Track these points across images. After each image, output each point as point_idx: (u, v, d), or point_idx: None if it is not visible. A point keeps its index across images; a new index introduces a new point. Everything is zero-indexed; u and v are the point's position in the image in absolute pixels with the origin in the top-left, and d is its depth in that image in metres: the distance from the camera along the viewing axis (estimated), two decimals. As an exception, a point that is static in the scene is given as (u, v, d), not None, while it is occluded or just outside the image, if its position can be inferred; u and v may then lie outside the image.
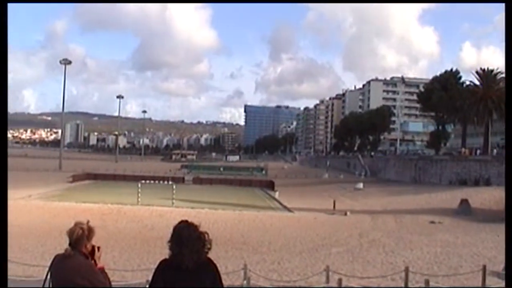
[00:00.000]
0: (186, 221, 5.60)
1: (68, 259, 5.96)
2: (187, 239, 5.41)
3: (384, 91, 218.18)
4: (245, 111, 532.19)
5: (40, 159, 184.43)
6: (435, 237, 39.21)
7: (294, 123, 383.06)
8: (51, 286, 6.05)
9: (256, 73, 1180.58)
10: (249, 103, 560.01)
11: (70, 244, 6.05)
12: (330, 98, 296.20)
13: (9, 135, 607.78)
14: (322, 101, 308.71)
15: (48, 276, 6.08)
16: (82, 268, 5.94)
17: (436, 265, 28.55)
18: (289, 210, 61.29)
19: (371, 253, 33.44)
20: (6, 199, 8.07)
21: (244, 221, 48.64)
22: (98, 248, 6.29)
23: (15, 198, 63.25)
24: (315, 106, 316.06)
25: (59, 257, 6.05)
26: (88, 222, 6.25)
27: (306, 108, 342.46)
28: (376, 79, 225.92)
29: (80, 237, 6.07)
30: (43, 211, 52.50)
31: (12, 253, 26.48)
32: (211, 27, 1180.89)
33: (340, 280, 19.57)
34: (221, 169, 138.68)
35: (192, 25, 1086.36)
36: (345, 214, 55.75)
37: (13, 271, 22.58)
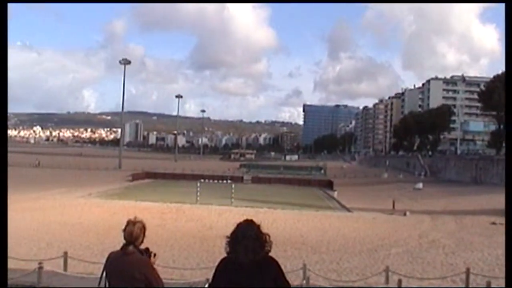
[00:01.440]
0: (250, 220, 5.67)
1: (125, 255, 6.37)
2: (243, 237, 5.49)
3: (444, 90, 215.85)
4: (303, 110, 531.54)
5: (100, 158, 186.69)
6: (496, 238, 38.58)
7: (353, 122, 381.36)
8: (106, 283, 6.43)
9: (315, 72, 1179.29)
10: (308, 102, 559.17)
11: (126, 241, 6.45)
12: (389, 97, 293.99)
13: (69, 134, 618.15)
14: (381, 100, 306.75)
15: (104, 274, 6.49)
16: (140, 263, 6.36)
17: (498, 267, 28.08)
18: (348, 210, 61.04)
19: (430, 254, 33.12)
20: (6, 199, 8.19)
21: (303, 221, 48.54)
22: (154, 254, 6.63)
23: (76, 197, 64.38)
24: (374, 105, 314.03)
25: (114, 254, 6.49)
26: (138, 219, 6.65)
27: (365, 107, 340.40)
28: (436, 78, 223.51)
29: (136, 234, 6.48)
30: (102, 210, 53.08)
31: (73, 250, 27.02)
32: (269, 26, 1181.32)
33: (400, 281, 19.46)
34: (282, 168, 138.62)
35: (250, 24, 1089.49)
36: (404, 214, 55.27)
37: (74, 268, 22.96)
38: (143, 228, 6.60)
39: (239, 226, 5.60)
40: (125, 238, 6.49)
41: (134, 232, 6.48)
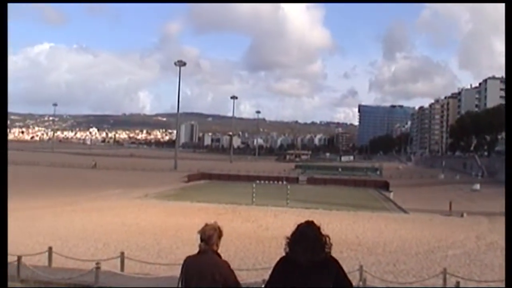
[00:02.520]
0: (310, 221, 5.69)
1: (204, 257, 6.63)
2: (303, 238, 5.52)
3: (501, 89, 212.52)
4: (359, 111, 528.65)
5: (155, 159, 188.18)
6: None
7: (409, 122, 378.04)
8: (184, 285, 6.65)
9: (370, 72, 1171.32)
10: (363, 103, 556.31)
11: (204, 244, 6.72)
12: (445, 97, 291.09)
13: (125, 136, 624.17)
14: (437, 100, 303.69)
15: (182, 277, 6.70)
16: (219, 265, 6.59)
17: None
18: (404, 211, 60.58)
19: (489, 256, 32.69)
20: (6, 199, 8.23)
21: (359, 222, 48.30)
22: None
23: (132, 198, 65.02)
24: (430, 105, 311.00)
25: (192, 257, 6.75)
26: (214, 223, 6.97)
27: (421, 108, 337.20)
28: (494, 77, 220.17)
29: (212, 237, 6.76)
30: (159, 211, 53.47)
31: (130, 250, 27.27)
32: (324, 27, 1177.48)
33: (458, 283, 19.24)
34: (337, 169, 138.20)
35: (305, 24, 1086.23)
36: (462, 215, 54.64)
37: (131, 268, 23.19)
38: (220, 232, 6.90)
39: (299, 226, 5.64)
40: (202, 240, 6.74)
41: (212, 235, 6.77)
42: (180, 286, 6.73)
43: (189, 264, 6.70)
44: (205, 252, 6.67)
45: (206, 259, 6.61)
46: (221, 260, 6.68)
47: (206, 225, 6.93)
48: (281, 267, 5.69)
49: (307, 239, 5.48)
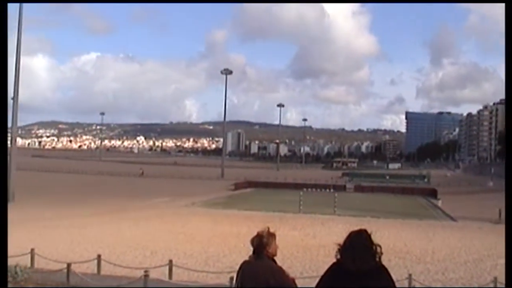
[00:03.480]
0: (362, 229, 5.68)
1: (259, 262, 6.75)
2: (353, 246, 5.47)
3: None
4: (406, 118, 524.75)
5: (202, 168, 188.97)
6: None
7: (457, 129, 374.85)
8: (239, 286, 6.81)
9: (417, 79, 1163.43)
10: (410, 110, 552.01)
11: (259, 250, 6.82)
12: (494, 103, 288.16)
13: (172, 144, 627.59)
14: (485, 107, 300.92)
15: (238, 282, 6.87)
16: (274, 270, 6.74)
17: None
18: (452, 219, 60.02)
19: (540, 265, 32.18)
20: (6, 199, 8.27)
21: (407, 230, 47.93)
22: (293, 280, 6.90)
23: (179, 206, 65.38)
24: (479, 112, 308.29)
25: (247, 262, 6.88)
26: (268, 228, 7.06)
27: (469, 114, 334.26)
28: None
29: (267, 242, 6.85)
30: (206, 218, 53.60)
31: (177, 258, 27.36)
32: (370, 33, 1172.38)
33: (508, 292, 18.95)
34: (385, 177, 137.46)
35: (351, 31, 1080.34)
36: None
37: (179, 276, 23.25)
38: (268, 234, 6.94)
39: (350, 234, 5.62)
40: (257, 247, 6.84)
41: (267, 241, 6.86)
42: None
43: (245, 268, 6.82)
44: (261, 258, 6.78)
45: (262, 265, 6.73)
46: (276, 266, 6.83)
47: (261, 231, 7.00)
48: (331, 274, 5.65)
49: (357, 247, 5.46)
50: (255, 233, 6.94)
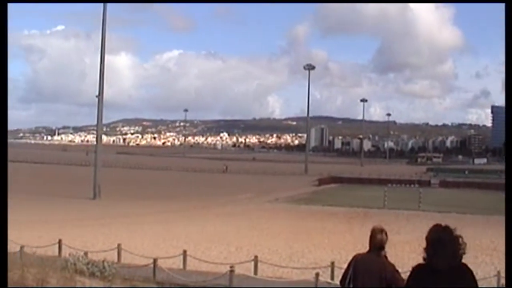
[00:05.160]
0: (446, 225, 5.58)
1: (372, 256, 7.38)
2: (442, 242, 5.42)
3: None
4: (492, 112, 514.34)
5: (286, 163, 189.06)
6: None
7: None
8: (352, 281, 7.33)
9: (502, 72, 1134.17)
10: (496, 104, 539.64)
11: (377, 246, 7.44)
12: None
13: (255, 140, 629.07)
14: None
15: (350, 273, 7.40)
16: (386, 265, 7.29)
17: None
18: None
19: None
20: (6, 199, 8.21)
21: (493, 227, 46.88)
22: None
23: (263, 202, 65.46)
24: None
25: (361, 255, 7.55)
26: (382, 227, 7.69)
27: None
28: None
29: (384, 240, 7.50)
30: (290, 215, 53.60)
31: (262, 254, 27.35)
32: (454, 26, 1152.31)
33: None
34: (466, 172, 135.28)
35: (435, 24, 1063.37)
36: None
37: (263, 272, 23.25)
38: (386, 234, 7.56)
39: (435, 231, 5.54)
40: (375, 243, 7.44)
41: (383, 238, 7.49)
42: (347, 281, 7.37)
43: (358, 261, 7.41)
44: (373, 252, 7.38)
45: (375, 259, 7.32)
46: (388, 261, 7.38)
47: (377, 228, 7.59)
48: (418, 273, 5.64)
49: (444, 244, 5.41)
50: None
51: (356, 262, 7.41)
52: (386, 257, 7.45)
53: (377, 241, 7.42)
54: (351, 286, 7.36)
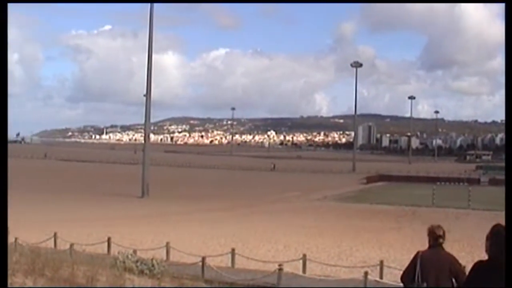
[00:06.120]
0: (503, 224, 5.55)
1: (436, 251, 7.76)
2: (501, 239, 5.39)
3: None
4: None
5: (333, 161, 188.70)
6: None
7: None
8: (420, 275, 7.65)
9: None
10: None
11: (439, 241, 7.84)
12: None
13: (302, 138, 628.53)
14: None
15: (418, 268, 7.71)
16: (451, 258, 7.70)
17: None
18: None
19: None
20: (6, 199, 8.16)
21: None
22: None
23: (311, 200, 65.39)
24: None
25: (424, 251, 7.84)
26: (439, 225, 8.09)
27: None
28: None
29: (441, 235, 7.88)
30: (338, 212, 53.51)
31: (310, 252, 27.27)
32: (503, 21, 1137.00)
33: None
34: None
35: (483, 20, 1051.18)
36: None
37: (312, 270, 23.15)
38: (444, 232, 7.97)
39: (498, 229, 5.58)
40: (435, 239, 7.85)
41: (441, 233, 7.90)
42: (416, 278, 7.68)
43: (423, 257, 7.74)
44: (436, 248, 7.79)
45: (440, 254, 7.73)
46: (451, 255, 7.79)
47: (433, 225, 8.06)
48: (478, 269, 5.64)
49: (505, 241, 5.32)
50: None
51: (422, 259, 7.71)
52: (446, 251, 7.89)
53: (437, 237, 7.83)
54: (421, 282, 7.65)
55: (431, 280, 7.59)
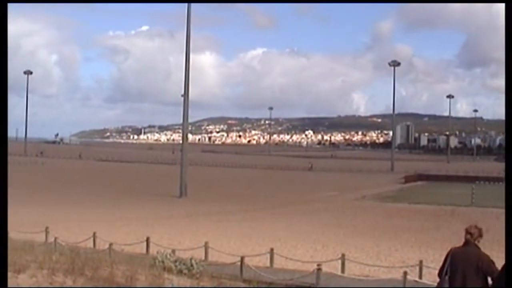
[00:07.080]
0: None
1: (468, 248, 8.54)
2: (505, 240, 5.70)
3: None
4: None
5: (371, 161, 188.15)
6: None
7: None
8: (450, 271, 8.54)
9: None
10: None
11: (471, 239, 8.60)
12: None
13: (340, 138, 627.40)
14: None
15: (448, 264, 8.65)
16: (481, 256, 8.42)
17: None
18: None
19: None
20: (6, 199, 8.08)
21: None
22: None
23: (349, 199, 65.24)
24: None
25: (457, 248, 8.76)
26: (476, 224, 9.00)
27: None
28: None
29: (475, 233, 8.67)
30: (376, 212, 53.30)
31: (349, 252, 27.20)
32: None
33: None
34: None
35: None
36: None
37: (350, 270, 23.10)
38: (480, 231, 8.84)
39: None
40: (468, 235, 8.68)
41: (476, 232, 8.68)
42: (444, 272, 8.65)
43: (455, 253, 8.64)
44: (469, 245, 8.57)
45: (471, 250, 8.47)
46: (483, 252, 8.49)
47: (471, 224, 8.90)
48: None
49: None
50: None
51: (453, 255, 8.64)
52: (479, 248, 8.60)
53: (472, 235, 8.61)
54: (448, 276, 8.55)
55: (458, 275, 8.41)
